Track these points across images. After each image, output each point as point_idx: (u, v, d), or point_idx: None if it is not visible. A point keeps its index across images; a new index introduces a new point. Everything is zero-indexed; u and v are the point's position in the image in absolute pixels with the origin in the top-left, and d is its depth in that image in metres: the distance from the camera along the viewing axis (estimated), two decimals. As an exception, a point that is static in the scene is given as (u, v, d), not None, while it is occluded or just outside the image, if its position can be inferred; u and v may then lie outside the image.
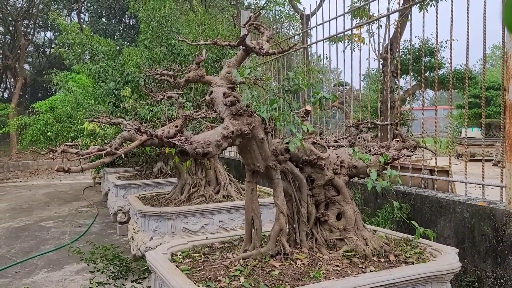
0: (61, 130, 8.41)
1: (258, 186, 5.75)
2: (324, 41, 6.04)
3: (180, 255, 2.85)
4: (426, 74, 15.02)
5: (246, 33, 2.42)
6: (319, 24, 6.03)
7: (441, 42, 15.18)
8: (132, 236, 4.93)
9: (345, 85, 7.22)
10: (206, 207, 4.67)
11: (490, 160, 14.06)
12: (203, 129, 4.40)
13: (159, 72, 2.87)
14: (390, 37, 7.58)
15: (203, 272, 2.47)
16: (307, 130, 2.61)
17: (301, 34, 11.35)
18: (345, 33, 5.59)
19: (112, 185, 7.29)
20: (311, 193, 2.79)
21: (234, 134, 2.38)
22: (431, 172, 4.19)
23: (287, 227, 2.73)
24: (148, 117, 4.18)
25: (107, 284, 4.20)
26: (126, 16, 24.83)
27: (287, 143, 2.70)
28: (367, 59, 5.43)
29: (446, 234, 3.62)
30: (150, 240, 4.51)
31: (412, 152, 2.84)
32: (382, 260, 2.56)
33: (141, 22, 5.70)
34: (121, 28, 26.27)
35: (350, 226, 2.74)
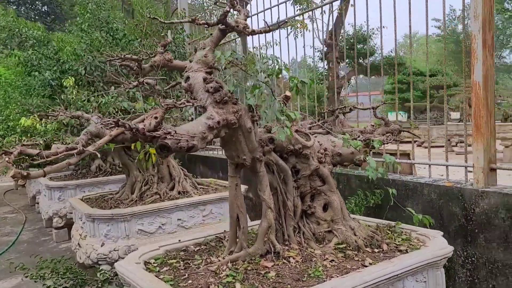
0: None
1: (213, 179, 5.50)
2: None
3: (154, 262, 2.53)
4: (360, 61, 15.53)
5: (228, 9, 2.15)
6: (260, 12, 5.81)
7: (372, 29, 15.81)
8: (78, 243, 4.42)
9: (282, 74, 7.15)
10: (162, 206, 4.30)
11: (414, 142, 14.91)
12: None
13: (122, 57, 2.49)
14: (334, 22, 7.65)
15: (190, 281, 2.19)
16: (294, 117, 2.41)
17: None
18: (288, 20, 5.45)
19: (43, 186, 6.54)
20: (296, 184, 2.61)
21: (220, 124, 2.11)
22: (393, 156, 4.22)
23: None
24: (106, 111, 3.69)
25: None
26: (39, 2, 22.68)
27: (269, 131, 2.49)
28: (304, 47, 5.34)
29: (415, 216, 3.65)
30: (101, 246, 4.07)
31: (397, 136, 2.77)
32: (376, 250, 2.47)
33: (76, 3, 5.08)
34: (33, 15, 23.93)
35: (338, 217, 2.62)
